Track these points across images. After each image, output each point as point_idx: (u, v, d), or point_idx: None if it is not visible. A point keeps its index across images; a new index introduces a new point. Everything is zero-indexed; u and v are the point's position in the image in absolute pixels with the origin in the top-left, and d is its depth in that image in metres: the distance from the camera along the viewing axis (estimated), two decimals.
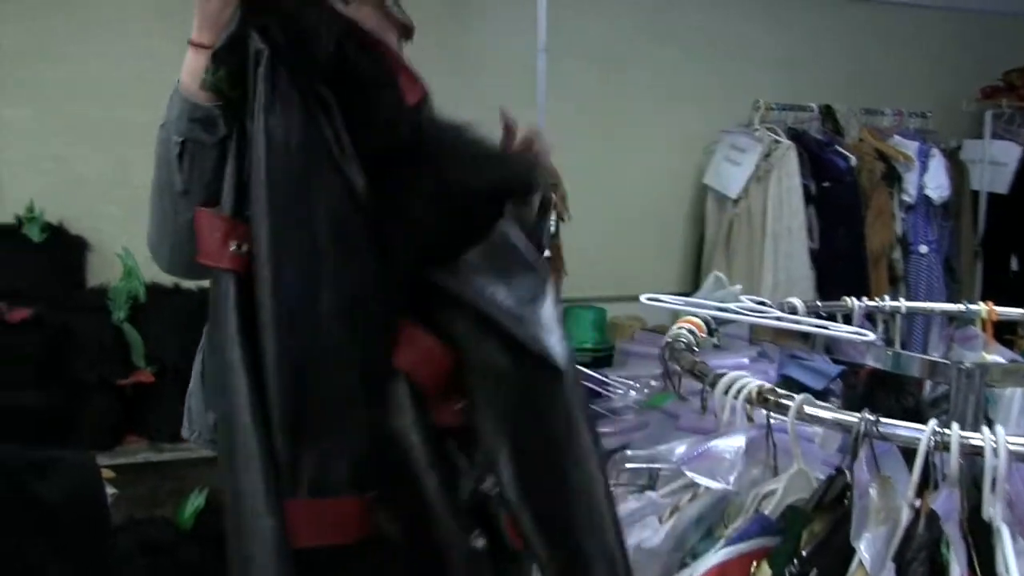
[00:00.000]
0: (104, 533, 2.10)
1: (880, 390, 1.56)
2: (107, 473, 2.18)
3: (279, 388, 0.99)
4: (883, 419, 0.93)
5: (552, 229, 2.78)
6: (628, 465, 1.06)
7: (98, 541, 2.09)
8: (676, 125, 3.58)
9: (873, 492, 0.88)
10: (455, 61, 3.35)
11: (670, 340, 1.40)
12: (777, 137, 3.18)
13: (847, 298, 1.78)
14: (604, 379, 1.40)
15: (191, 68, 1.11)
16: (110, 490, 2.14)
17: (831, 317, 1.76)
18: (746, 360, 1.42)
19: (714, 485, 0.96)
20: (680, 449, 1.03)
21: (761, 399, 1.05)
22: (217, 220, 1.05)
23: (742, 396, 1.07)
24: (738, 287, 2.96)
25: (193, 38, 1.12)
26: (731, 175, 3.23)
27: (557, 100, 3.39)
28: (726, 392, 1.09)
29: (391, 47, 1.21)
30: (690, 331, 1.47)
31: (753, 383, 1.07)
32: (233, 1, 1.03)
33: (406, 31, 1.43)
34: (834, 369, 1.56)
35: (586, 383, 1.38)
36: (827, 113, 3.47)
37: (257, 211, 1.00)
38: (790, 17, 3.77)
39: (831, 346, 1.75)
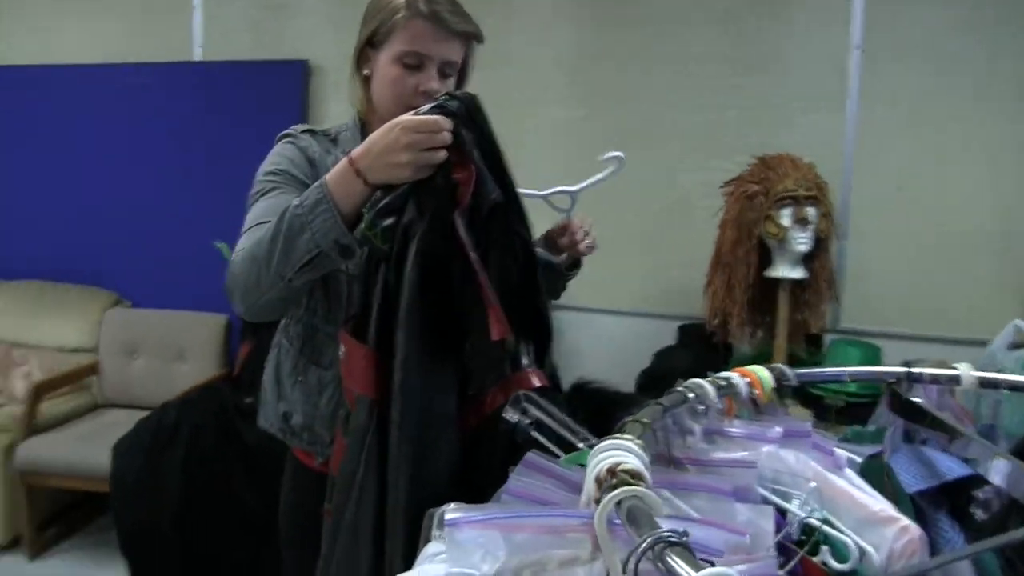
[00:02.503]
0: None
1: (1016, 515, 1.09)
2: None
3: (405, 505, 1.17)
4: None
5: (805, 247, 2.40)
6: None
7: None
8: None
9: None
10: (756, 58, 3.05)
11: (678, 390, 1.14)
12: None
13: None
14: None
15: (347, 189, 1.23)
16: None
17: None
18: (779, 430, 1.09)
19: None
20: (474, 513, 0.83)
21: (608, 479, 0.81)
22: (366, 354, 1.23)
23: (593, 472, 0.83)
24: None
25: (360, 167, 1.23)
26: None
27: (871, 103, 2.93)
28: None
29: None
30: (724, 385, 1.18)
31: (616, 459, 0.83)
32: (411, 176, 1.21)
33: (476, 37, 1.53)
34: (955, 472, 1.12)
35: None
36: None
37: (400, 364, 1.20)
38: None
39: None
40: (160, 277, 3.67)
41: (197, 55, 3.73)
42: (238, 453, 2.34)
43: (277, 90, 3.51)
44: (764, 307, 2.58)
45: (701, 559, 0.81)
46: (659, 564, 0.66)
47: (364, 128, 1.56)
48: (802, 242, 2.37)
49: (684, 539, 0.68)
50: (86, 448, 2.91)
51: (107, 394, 3.52)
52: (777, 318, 2.51)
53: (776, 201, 2.36)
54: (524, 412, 1.18)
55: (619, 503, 0.75)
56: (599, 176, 1.44)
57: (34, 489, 3.10)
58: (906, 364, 1.32)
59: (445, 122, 1.23)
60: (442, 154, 1.22)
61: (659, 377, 2.56)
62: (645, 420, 0.99)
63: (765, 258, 2.50)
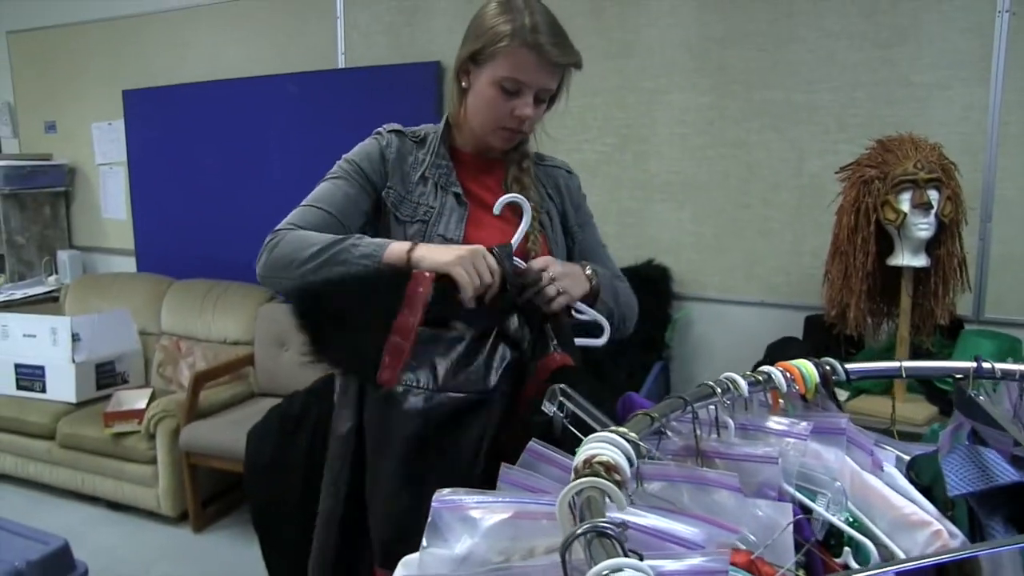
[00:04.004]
0: None
1: None
2: None
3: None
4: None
5: (926, 233, 2.25)
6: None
7: None
8: None
9: None
10: (892, 32, 2.88)
11: (707, 384, 1.14)
12: None
13: None
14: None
15: (392, 262, 1.37)
16: None
17: None
18: (805, 426, 1.06)
19: None
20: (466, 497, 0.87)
21: (584, 470, 0.83)
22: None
23: (576, 460, 0.86)
24: None
25: (414, 247, 1.37)
26: None
27: (1019, 72, 2.70)
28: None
29: None
30: (762, 380, 1.16)
31: (593, 451, 0.85)
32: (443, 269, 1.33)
33: (576, 66, 1.55)
34: (1009, 476, 1.05)
35: None
36: None
37: None
38: None
39: None
40: None
41: (341, 62, 3.96)
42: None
43: (414, 91, 3.66)
44: (888, 297, 2.44)
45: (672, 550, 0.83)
46: (587, 552, 0.68)
47: (450, 131, 1.63)
48: (923, 228, 2.23)
49: (619, 532, 0.69)
50: (238, 433, 3.15)
51: (261, 383, 3.81)
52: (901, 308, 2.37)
53: (894, 185, 2.23)
54: (560, 407, 1.20)
55: (580, 492, 0.77)
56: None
57: (197, 469, 3.42)
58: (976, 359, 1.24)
59: (497, 279, 1.35)
60: (476, 282, 1.32)
61: None
62: (654, 414, 1.00)
63: (889, 246, 2.37)
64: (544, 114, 1.59)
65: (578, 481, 0.78)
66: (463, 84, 1.56)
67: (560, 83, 1.55)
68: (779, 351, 2.71)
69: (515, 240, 1.46)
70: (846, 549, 1.00)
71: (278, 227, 1.49)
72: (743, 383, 1.13)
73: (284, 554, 2.54)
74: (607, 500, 0.77)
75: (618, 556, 0.66)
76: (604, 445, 0.86)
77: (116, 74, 4.64)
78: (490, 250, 1.38)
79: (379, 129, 1.62)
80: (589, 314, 1.58)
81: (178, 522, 3.52)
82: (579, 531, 0.69)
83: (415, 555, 0.90)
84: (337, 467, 1.51)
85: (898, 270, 2.36)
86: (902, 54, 2.85)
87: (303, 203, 1.52)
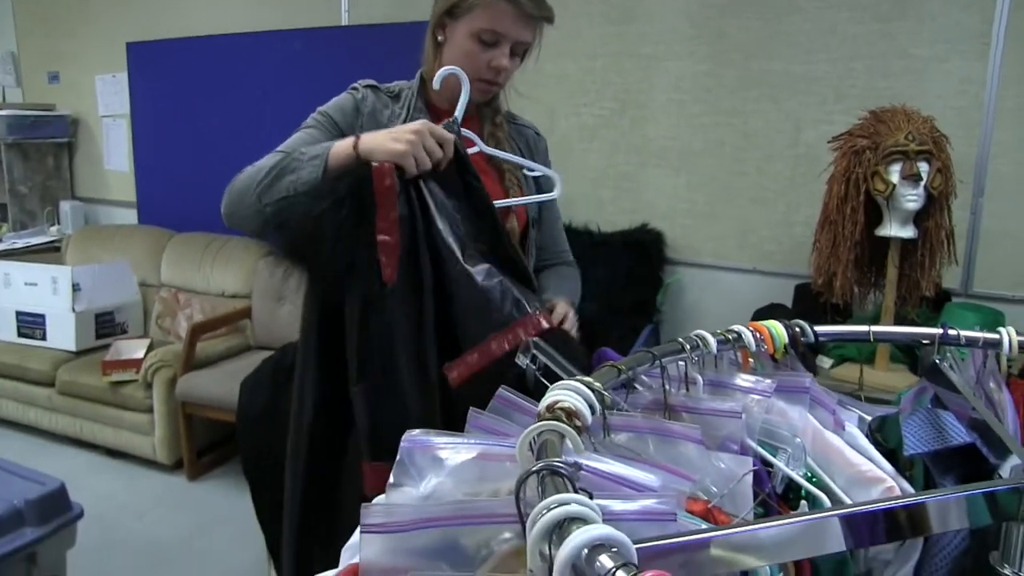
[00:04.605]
0: None
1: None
2: None
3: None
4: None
5: (915, 204, 2.28)
6: None
7: None
8: None
9: None
10: (891, 4, 2.86)
11: (677, 340, 1.17)
12: None
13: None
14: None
15: (341, 153, 1.35)
16: None
17: None
18: (768, 383, 1.10)
19: None
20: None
21: (546, 415, 0.87)
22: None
23: (540, 406, 0.90)
24: None
25: (361, 139, 1.35)
26: None
27: (1019, 47, 2.70)
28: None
29: None
30: (732, 338, 1.20)
31: (560, 398, 0.89)
32: (393, 155, 1.29)
33: (548, 20, 1.57)
34: (962, 438, 1.09)
35: None
36: None
37: None
38: None
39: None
40: None
41: (344, 19, 3.95)
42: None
43: (417, 49, 3.62)
44: (876, 267, 2.47)
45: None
46: (539, 489, 0.72)
47: (425, 87, 1.65)
48: (911, 200, 2.25)
49: (572, 471, 0.73)
50: (233, 384, 3.19)
51: (258, 336, 3.86)
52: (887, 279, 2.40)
53: (884, 156, 2.25)
54: (533, 359, 1.24)
55: (540, 435, 0.81)
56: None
57: (192, 418, 3.48)
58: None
59: (450, 148, 1.34)
60: (429, 164, 1.32)
61: None
62: (621, 366, 1.04)
63: (878, 217, 2.40)
64: (518, 69, 1.62)
65: (537, 424, 0.81)
66: (439, 39, 1.59)
67: (534, 37, 1.58)
68: (765, 317, 2.74)
69: (458, 112, 1.49)
70: (803, 502, 1.04)
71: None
72: (712, 340, 1.17)
73: (274, 503, 2.60)
74: (567, 445, 0.81)
75: (562, 490, 0.70)
76: (567, 392, 0.89)
77: (120, 26, 4.64)
78: None
79: (355, 84, 1.66)
80: (540, 170, 1.69)
81: (173, 470, 3.60)
82: (533, 468, 0.73)
83: (382, 495, 0.94)
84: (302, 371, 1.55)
85: (886, 241, 2.38)
86: (902, 27, 2.84)
87: (273, 151, 1.52)
